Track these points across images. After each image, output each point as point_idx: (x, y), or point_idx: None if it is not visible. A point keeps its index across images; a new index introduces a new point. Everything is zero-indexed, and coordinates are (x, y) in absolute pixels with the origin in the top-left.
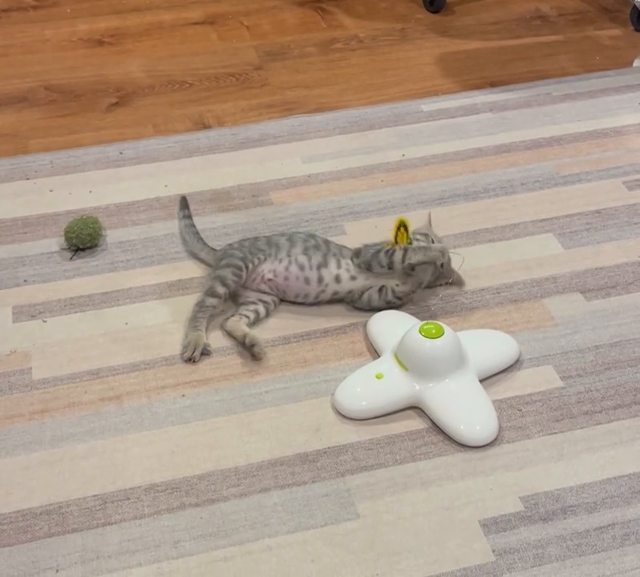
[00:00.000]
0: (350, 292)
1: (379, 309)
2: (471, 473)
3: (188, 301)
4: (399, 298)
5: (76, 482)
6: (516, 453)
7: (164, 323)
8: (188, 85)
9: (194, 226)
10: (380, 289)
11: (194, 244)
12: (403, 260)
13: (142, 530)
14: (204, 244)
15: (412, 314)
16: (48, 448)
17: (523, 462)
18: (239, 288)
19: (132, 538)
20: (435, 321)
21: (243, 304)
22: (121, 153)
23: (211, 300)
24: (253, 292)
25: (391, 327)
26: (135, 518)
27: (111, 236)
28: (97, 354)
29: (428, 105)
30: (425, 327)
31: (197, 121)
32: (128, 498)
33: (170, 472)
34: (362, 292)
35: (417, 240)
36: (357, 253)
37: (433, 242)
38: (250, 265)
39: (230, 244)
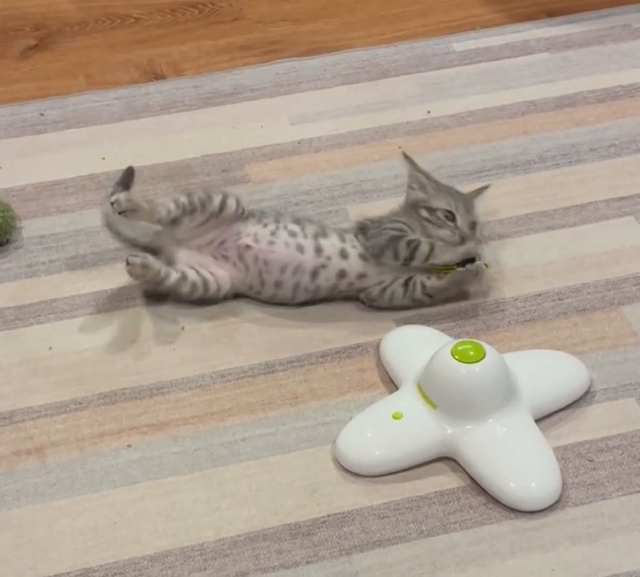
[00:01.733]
0: (361, 277)
1: (403, 308)
2: (526, 548)
3: (135, 316)
4: (430, 295)
5: None
6: (586, 521)
7: (101, 347)
8: (133, 20)
9: None
10: (406, 283)
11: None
12: (428, 258)
13: None
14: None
15: (442, 330)
16: None
17: (596, 531)
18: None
19: None
20: (473, 340)
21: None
22: (42, 114)
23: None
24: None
25: (414, 348)
26: None
27: (29, 228)
28: (10, 391)
29: (463, 43)
30: (460, 347)
31: (146, 69)
32: None
33: (111, 552)
34: (385, 288)
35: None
36: (362, 229)
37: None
38: (219, 206)
39: None
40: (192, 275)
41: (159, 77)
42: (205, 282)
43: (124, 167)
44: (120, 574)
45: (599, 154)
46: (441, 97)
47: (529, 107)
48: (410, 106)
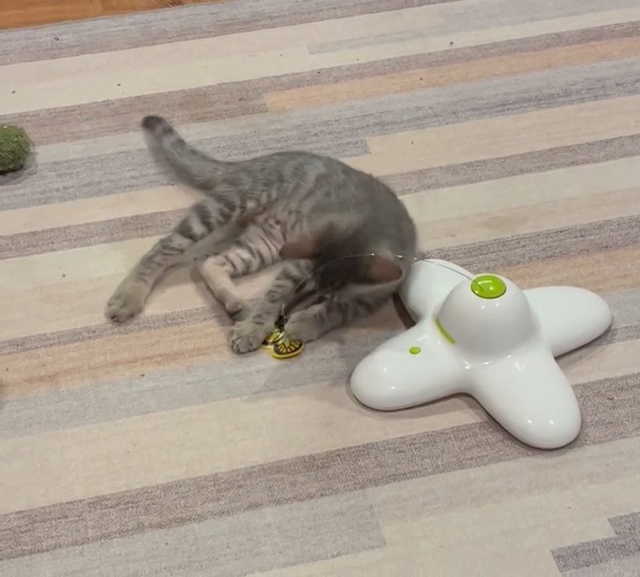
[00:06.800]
0: None
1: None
2: (543, 485)
3: (150, 245)
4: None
5: None
6: (604, 459)
7: (114, 275)
8: None
9: (184, 142)
10: None
11: (198, 165)
12: None
13: (84, 559)
14: (214, 160)
15: (462, 265)
16: None
17: (614, 470)
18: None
19: (71, 570)
20: (494, 275)
21: (238, 242)
22: (57, 39)
23: (179, 241)
24: (259, 229)
25: (433, 283)
26: (76, 544)
27: (43, 154)
28: (23, 318)
29: None
30: (480, 283)
31: None
32: (66, 516)
33: (123, 481)
34: None
35: None
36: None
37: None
38: (250, 205)
39: (254, 159)
40: (253, 263)
41: (176, 2)
42: (262, 262)
43: (140, 93)
44: (133, 502)
45: (625, 89)
46: (464, 28)
47: (554, 40)
48: (432, 37)
